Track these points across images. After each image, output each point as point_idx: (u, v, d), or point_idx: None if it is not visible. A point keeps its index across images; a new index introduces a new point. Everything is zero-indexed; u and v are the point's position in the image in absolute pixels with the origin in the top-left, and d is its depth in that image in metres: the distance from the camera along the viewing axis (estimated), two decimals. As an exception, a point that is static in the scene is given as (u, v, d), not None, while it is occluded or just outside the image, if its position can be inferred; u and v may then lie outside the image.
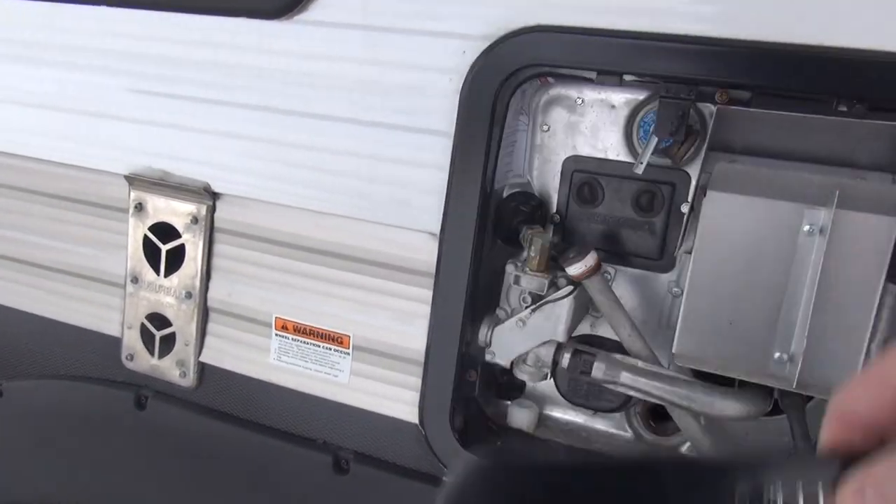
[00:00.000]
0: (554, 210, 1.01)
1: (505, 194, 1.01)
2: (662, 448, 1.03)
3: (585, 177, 0.99)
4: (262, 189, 1.03)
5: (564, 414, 1.09)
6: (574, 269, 0.91)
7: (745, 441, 1.00)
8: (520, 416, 1.05)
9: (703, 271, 0.87)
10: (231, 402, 1.12)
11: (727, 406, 0.90)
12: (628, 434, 1.07)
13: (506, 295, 1.00)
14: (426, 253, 0.96)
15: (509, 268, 0.98)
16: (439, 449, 0.99)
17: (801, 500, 0.38)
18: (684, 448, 1.03)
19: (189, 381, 1.13)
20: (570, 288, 0.93)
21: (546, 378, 0.99)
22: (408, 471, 1.02)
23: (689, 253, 0.97)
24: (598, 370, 0.93)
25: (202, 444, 1.13)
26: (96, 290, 1.18)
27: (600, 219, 1.00)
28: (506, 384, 1.09)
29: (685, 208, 0.96)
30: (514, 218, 0.99)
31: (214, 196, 1.07)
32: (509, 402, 1.09)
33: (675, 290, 1.00)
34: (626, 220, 0.99)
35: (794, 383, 0.84)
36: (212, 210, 1.07)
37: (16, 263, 1.24)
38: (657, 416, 1.05)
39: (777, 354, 0.87)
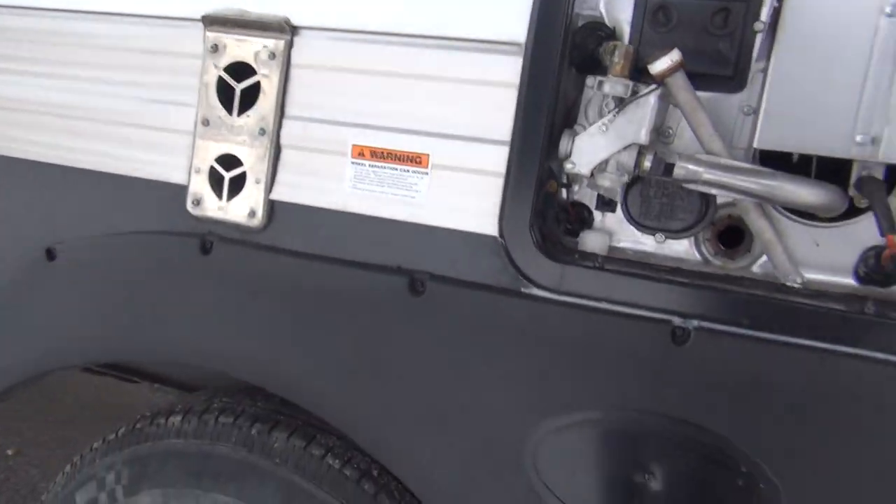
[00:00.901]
0: (627, 40, 1.05)
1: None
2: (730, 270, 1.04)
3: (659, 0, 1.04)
4: (343, 17, 1.06)
5: (634, 244, 1.10)
6: (659, 65, 0.94)
7: (816, 252, 1.01)
8: (592, 240, 1.07)
9: (787, 55, 0.92)
10: (301, 238, 1.11)
11: (809, 194, 0.93)
12: (698, 258, 1.08)
13: (584, 110, 1.03)
14: (511, 66, 0.99)
15: (590, 80, 1.01)
16: (519, 259, 1.00)
17: None
18: (754, 267, 1.05)
19: (258, 220, 1.13)
20: (654, 86, 0.96)
21: (626, 185, 1.01)
22: (485, 286, 1.02)
23: (764, 72, 1.02)
24: (681, 169, 0.96)
25: (273, 284, 1.12)
26: (163, 140, 1.19)
27: (674, 41, 1.03)
28: (575, 217, 1.10)
29: (759, 26, 1.00)
30: (589, 42, 1.03)
31: (293, 30, 1.09)
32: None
33: (748, 108, 1.03)
34: (701, 41, 1.03)
35: (880, 156, 0.88)
36: (290, 45, 1.10)
37: (80, 121, 1.24)
38: (726, 240, 1.07)
39: (860, 137, 0.90)
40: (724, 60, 1.03)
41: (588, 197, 1.12)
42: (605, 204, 1.12)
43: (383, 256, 1.07)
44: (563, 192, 1.10)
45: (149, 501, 1.35)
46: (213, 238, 1.15)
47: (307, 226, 1.11)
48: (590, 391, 0.98)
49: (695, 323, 0.94)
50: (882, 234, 0.89)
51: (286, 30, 1.09)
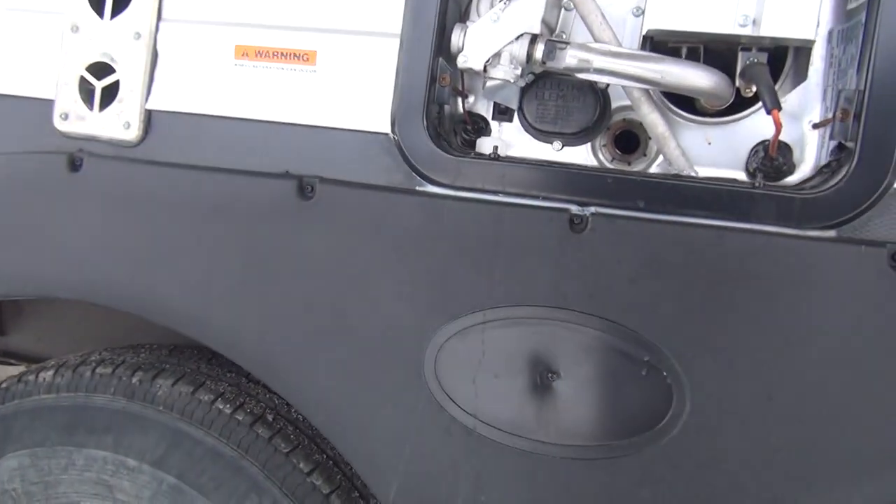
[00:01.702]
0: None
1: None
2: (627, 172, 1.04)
3: None
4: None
5: (530, 153, 1.08)
6: (547, -49, 0.93)
7: (708, 150, 1.02)
8: (491, 145, 1.04)
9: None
10: (181, 149, 1.04)
11: (698, 77, 0.93)
12: (595, 165, 1.07)
13: (476, 5, 1.01)
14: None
15: (480, -27, 0.99)
16: (413, 155, 0.96)
17: None
18: (653, 168, 1.05)
19: (134, 132, 1.04)
20: (544, -27, 0.95)
21: (519, 78, 0.99)
22: (378, 187, 0.97)
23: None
24: (573, 57, 0.95)
25: (150, 201, 1.04)
26: (27, 50, 1.09)
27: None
28: (472, 127, 1.08)
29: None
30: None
31: (170, -74, 1.03)
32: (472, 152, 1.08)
33: (637, 10, 1.04)
34: (587, -60, 1.03)
35: (761, 32, 0.89)
36: (167, -59, 1.03)
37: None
38: (623, 145, 1.07)
39: (741, 18, 0.92)
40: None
41: (484, 108, 1.10)
42: (502, 113, 1.10)
43: (270, 162, 1.01)
44: (459, 102, 1.08)
45: (15, 465, 1.22)
46: (83, 155, 1.06)
47: (187, 135, 1.04)
48: (490, 290, 0.94)
49: (592, 209, 0.92)
50: (768, 112, 0.90)
51: (162, -74, 1.03)
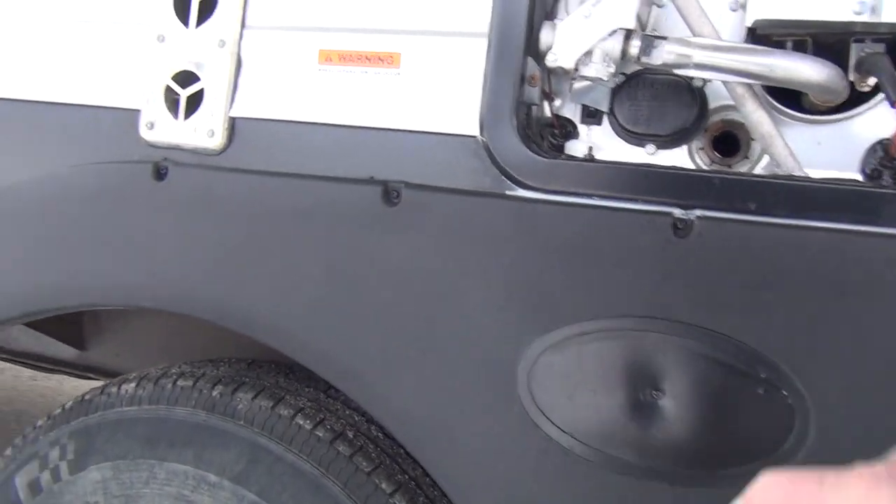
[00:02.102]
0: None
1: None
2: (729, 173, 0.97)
3: None
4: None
5: (621, 157, 1.02)
6: (643, -59, 0.88)
7: (819, 151, 0.95)
8: (580, 150, 0.99)
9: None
10: (264, 156, 1.02)
11: (809, 70, 0.86)
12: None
13: (565, 2, 0.97)
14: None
15: (569, -30, 0.95)
16: (503, 157, 0.92)
17: None
18: (758, 169, 0.98)
19: (218, 140, 1.04)
20: (640, -35, 0.90)
21: (613, 77, 0.94)
22: (466, 191, 0.94)
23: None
24: (671, 53, 0.90)
25: (234, 209, 1.02)
26: (114, 61, 1.10)
27: (655, -65, 0.99)
28: (560, 130, 1.03)
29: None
30: (567, -62, 0.98)
31: (254, -66, 1.03)
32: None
33: (734, 4, 0.98)
34: (682, -68, 0.98)
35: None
36: (251, -51, 1.03)
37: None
38: (721, 148, 1.00)
39: (857, 5, 0.85)
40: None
41: (571, 111, 1.06)
42: (590, 116, 1.05)
43: (354, 167, 0.98)
44: (546, 106, 1.04)
45: (98, 477, 1.21)
46: (168, 164, 1.06)
47: (271, 142, 1.02)
48: (588, 299, 0.89)
49: (697, 212, 0.86)
50: (892, 104, 0.82)
51: (247, -65, 1.02)
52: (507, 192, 0.93)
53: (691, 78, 0.94)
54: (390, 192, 0.96)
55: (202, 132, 1.04)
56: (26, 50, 1.15)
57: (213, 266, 1.03)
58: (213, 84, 1.04)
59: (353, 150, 0.98)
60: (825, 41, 0.91)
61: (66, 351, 1.79)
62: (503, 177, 0.93)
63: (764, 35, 0.91)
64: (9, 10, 1.16)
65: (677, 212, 0.87)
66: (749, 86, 0.90)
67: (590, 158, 0.93)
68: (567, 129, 1.05)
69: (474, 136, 0.94)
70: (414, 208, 0.95)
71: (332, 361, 1.00)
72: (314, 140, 1.00)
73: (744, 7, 0.97)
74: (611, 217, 0.88)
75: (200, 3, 1.05)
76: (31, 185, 1.12)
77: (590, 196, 0.89)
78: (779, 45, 0.92)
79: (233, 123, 1.04)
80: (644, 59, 0.91)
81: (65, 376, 2.05)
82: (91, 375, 1.86)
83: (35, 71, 1.14)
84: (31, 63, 1.15)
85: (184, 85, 1.06)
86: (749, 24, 0.88)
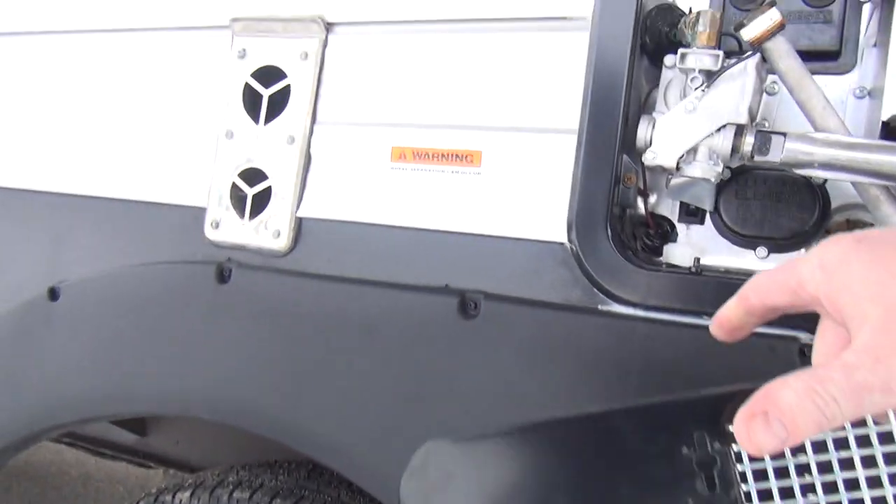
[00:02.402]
0: (707, 19, 0.91)
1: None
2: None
3: (743, -26, 0.90)
4: (383, 6, 0.95)
5: (729, 262, 0.91)
6: (755, 27, 0.78)
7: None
8: (679, 256, 0.88)
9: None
10: (332, 259, 0.95)
11: (961, 171, 0.74)
12: (815, 273, 0.88)
13: (664, 95, 0.87)
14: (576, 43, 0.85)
15: (668, 59, 0.86)
16: (595, 268, 0.81)
17: None
18: None
19: (284, 241, 0.97)
20: (751, 52, 0.80)
21: (720, 176, 0.83)
22: (552, 305, 0.83)
23: (876, 46, 0.86)
24: (792, 151, 0.78)
25: (299, 315, 0.95)
26: (181, 158, 1.06)
27: (763, 18, 0.89)
28: (655, 231, 0.93)
29: (866, -8, 0.86)
30: (663, 23, 0.89)
31: (328, 27, 0.98)
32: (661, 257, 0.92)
33: (860, 90, 0.87)
34: (795, 14, 0.88)
35: None
36: (324, 43, 0.98)
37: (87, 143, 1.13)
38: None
39: None
40: (826, 37, 0.88)
41: (668, 208, 0.95)
42: (690, 214, 0.94)
43: (429, 274, 0.90)
44: (640, 203, 0.93)
45: None
46: (231, 265, 1.00)
47: (339, 245, 0.95)
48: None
49: (827, 337, 0.73)
50: None
51: (320, 28, 0.98)
52: (601, 307, 0.82)
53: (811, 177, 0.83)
54: (467, 304, 0.86)
55: (268, 232, 0.98)
56: (93, 145, 1.13)
57: (276, 379, 0.95)
58: (281, 182, 0.98)
59: (428, 256, 0.90)
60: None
61: (126, 436, 1.75)
62: (595, 289, 0.82)
63: (901, 129, 0.79)
64: (74, 104, 1.15)
65: (805, 336, 0.74)
66: (886, 187, 0.78)
67: (697, 270, 0.82)
68: (664, 229, 0.94)
69: (562, 243, 0.84)
70: (493, 322, 0.85)
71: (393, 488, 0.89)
72: (385, 243, 0.92)
73: (871, 95, 0.86)
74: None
75: (271, 98, 1.00)
76: (94, 283, 1.08)
77: (698, 314, 0.78)
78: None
79: (300, 224, 0.97)
80: (759, 158, 0.80)
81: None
82: (151, 465, 1.81)
83: (101, 166, 1.12)
84: (97, 159, 1.12)
85: (251, 183, 1.00)
86: (885, 118, 0.76)
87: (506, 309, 0.84)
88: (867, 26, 0.86)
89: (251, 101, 1.02)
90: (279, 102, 1.00)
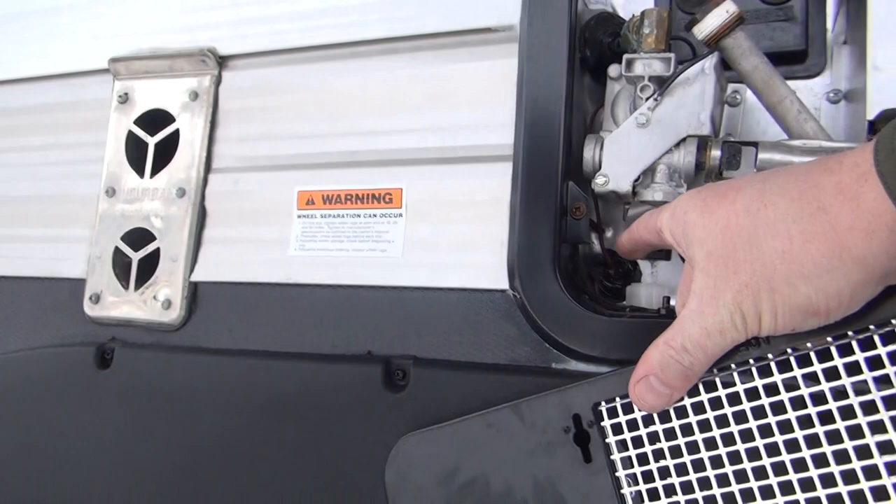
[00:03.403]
0: (652, 32, 0.79)
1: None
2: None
3: (689, -26, 0.80)
4: (281, 35, 0.81)
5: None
6: (709, 23, 0.66)
7: None
8: (645, 294, 0.73)
9: (884, 10, 0.64)
10: (232, 330, 0.79)
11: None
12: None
13: (611, 111, 0.74)
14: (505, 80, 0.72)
15: (613, 69, 0.74)
16: (545, 317, 0.66)
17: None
18: None
19: (176, 312, 0.81)
20: (708, 51, 0.68)
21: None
22: (495, 367, 0.68)
23: (846, 43, 0.75)
24: (767, 162, 0.65)
25: (192, 399, 0.78)
26: (55, 224, 0.90)
27: (716, 21, 0.77)
28: (616, 271, 0.78)
29: (829, -14, 0.75)
30: (603, 35, 0.77)
31: (221, 62, 0.85)
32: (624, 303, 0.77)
33: (833, 93, 0.75)
34: (752, 13, 0.77)
35: None
36: (217, 80, 0.84)
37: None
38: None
39: None
40: (789, 37, 0.76)
41: (630, 245, 0.81)
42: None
43: (347, 340, 0.74)
44: (595, 240, 0.79)
45: None
46: (115, 345, 0.83)
47: (242, 312, 0.79)
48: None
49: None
50: None
51: (212, 63, 0.84)
52: (555, 366, 0.66)
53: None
54: (393, 373, 0.70)
55: (157, 303, 0.82)
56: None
57: (171, 478, 0.77)
58: (171, 243, 0.82)
59: (346, 318, 0.74)
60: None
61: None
62: (547, 344, 0.67)
63: (889, 131, 0.67)
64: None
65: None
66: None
67: (668, 311, 0.67)
68: (625, 268, 0.80)
69: (503, 291, 0.69)
70: (425, 392, 0.69)
71: None
72: (295, 307, 0.76)
73: (848, 97, 0.74)
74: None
75: (157, 146, 0.85)
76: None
77: (673, 367, 0.62)
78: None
79: (194, 290, 0.81)
80: (728, 174, 0.67)
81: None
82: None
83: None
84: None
85: (136, 246, 0.84)
86: (871, 116, 0.64)
87: (439, 376, 0.68)
88: (833, 22, 0.75)
89: (136, 151, 0.87)
90: (168, 151, 0.85)
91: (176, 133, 0.85)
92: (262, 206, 0.80)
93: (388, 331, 0.72)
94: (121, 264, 0.85)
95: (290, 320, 0.77)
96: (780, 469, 0.51)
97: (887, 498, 0.47)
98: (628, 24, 0.73)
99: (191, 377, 0.78)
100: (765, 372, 0.52)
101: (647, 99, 0.69)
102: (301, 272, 0.77)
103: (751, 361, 0.52)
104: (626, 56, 0.70)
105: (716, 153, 0.67)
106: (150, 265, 0.83)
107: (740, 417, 0.53)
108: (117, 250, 0.85)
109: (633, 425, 0.57)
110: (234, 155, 0.83)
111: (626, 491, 0.57)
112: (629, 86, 0.72)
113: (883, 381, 0.47)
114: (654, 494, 0.56)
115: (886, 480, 0.47)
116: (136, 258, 0.84)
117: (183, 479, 0.77)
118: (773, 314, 0.46)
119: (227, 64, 0.85)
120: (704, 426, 0.54)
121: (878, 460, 0.47)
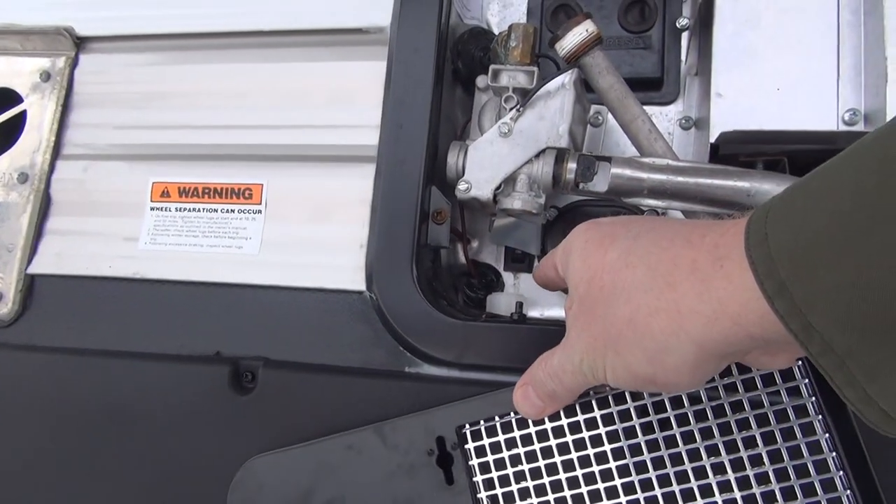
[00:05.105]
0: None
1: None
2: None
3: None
4: (148, 20, 0.78)
5: (558, 312, 0.78)
6: (569, 40, 0.69)
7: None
8: (506, 303, 0.74)
9: (726, 42, 0.69)
10: (73, 327, 0.73)
11: (796, 194, 0.65)
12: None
13: (478, 119, 0.75)
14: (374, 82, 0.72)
15: (480, 80, 0.75)
16: (400, 320, 0.66)
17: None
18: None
19: (9, 307, 0.74)
20: (570, 68, 0.70)
21: (543, 209, 0.71)
22: (347, 370, 0.66)
23: (697, 74, 0.80)
24: (619, 177, 0.68)
25: (28, 402, 0.71)
26: None
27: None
28: (479, 281, 0.79)
29: (683, 22, 0.80)
30: (475, 49, 0.79)
31: (78, 43, 0.80)
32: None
33: (685, 120, 0.80)
34: (614, 39, 0.81)
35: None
36: (73, 62, 0.80)
37: None
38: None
39: (847, 115, 0.66)
40: (647, 65, 0.81)
41: (493, 256, 0.82)
42: (516, 261, 0.82)
43: (196, 340, 0.70)
44: (460, 250, 0.80)
45: None
46: (-64, 341, 0.75)
47: (82, 308, 0.74)
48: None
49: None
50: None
51: (69, 43, 0.79)
52: (408, 370, 0.66)
53: (643, 209, 0.73)
54: (241, 374, 0.67)
55: (-13, 296, 0.75)
56: None
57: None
58: (8, 231, 0.76)
59: (196, 316, 0.71)
60: (804, 160, 0.72)
61: None
62: (401, 347, 0.66)
63: (730, 154, 0.71)
64: None
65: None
66: (719, 216, 0.69)
67: (519, 317, 0.68)
68: (489, 278, 0.81)
69: (360, 292, 0.68)
70: (274, 395, 0.66)
71: None
72: (141, 303, 0.72)
73: (697, 125, 0.79)
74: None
75: (0, 127, 0.79)
76: None
77: (521, 372, 0.63)
78: (747, 165, 0.72)
79: (31, 283, 0.75)
80: (584, 186, 0.69)
81: None
82: None
83: None
84: None
85: (-33, 233, 0.77)
86: (713, 139, 0.68)
87: (290, 378, 0.66)
88: (685, 54, 0.80)
89: (-27, 130, 0.80)
90: (12, 133, 0.79)
91: (22, 114, 0.79)
92: (113, 197, 0.76)
93: (239, 331, 0.69)
94: (-52, 253, 0.78)
95: (137, 318, 0.72)
96: (611, 493, 0.55)
97: None
98: (497, 37, 0.75)
99: (19, 377, 0.72)
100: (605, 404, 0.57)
101: (511, 109, 0.71)
102: (151, 267, 0.73)
103: (591, 393, 0.57)
104: (492, 67, 0.72)
105: (572, 165, 0.69)
106: (-19, 254, 0.77)
107: (596, 442, 0.56)
108: (-55, 238, 0.78)
109: (496, 448, 0.58)
110: (86, 142, 0.78)
111: None
112: (495, 97, 0.74)
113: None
114: None
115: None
116: (-33, 246, 0.77)
117: (2, 490, 0.70)
118: (613, 373, 0.46)
119: (85, 46, 0.80)
120: (563, 449, 0.56)
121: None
